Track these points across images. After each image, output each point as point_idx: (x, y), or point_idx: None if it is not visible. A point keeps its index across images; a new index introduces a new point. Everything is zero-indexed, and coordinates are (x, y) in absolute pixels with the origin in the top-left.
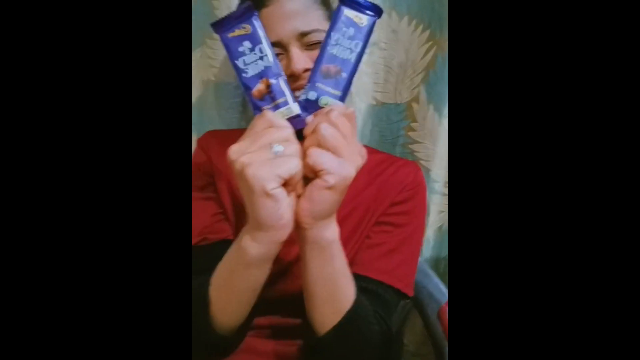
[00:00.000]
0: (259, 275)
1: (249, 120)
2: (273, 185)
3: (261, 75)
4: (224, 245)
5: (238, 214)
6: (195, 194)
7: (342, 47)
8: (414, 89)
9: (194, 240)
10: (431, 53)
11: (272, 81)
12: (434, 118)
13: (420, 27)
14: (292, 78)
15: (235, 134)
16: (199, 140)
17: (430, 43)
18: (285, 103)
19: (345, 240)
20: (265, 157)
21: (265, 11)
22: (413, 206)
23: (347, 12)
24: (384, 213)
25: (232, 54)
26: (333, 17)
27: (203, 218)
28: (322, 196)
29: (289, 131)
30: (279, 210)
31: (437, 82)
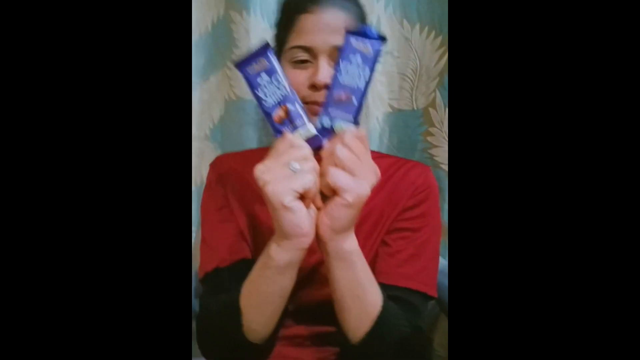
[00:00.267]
0: (286, 282)
1: (269, 135)
2: (289, 199)
3: (279, 102)
4: (243, 264)
5: (254, 233)
6: (211, 217)
7: (351, 75)
8: (429, 94)
9: (215, 263)
10: (445, 58)
11: (290, 107)
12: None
13: (433, 34)
14: (313, 89)
15: (245, 155)
16: (212, 165)
17: (443, 48)
18: (303, 125)
19: (361, 246)
20: (284, 174)
21: (305, 16)
22: (427, 208)
23: (354, 42)
24: (398, 218)
25: (253, 86)
26: (342, 47)
27: (222, 240)
28: (340, 212)
29: (306, 150)
30: (297, 220)
31: None
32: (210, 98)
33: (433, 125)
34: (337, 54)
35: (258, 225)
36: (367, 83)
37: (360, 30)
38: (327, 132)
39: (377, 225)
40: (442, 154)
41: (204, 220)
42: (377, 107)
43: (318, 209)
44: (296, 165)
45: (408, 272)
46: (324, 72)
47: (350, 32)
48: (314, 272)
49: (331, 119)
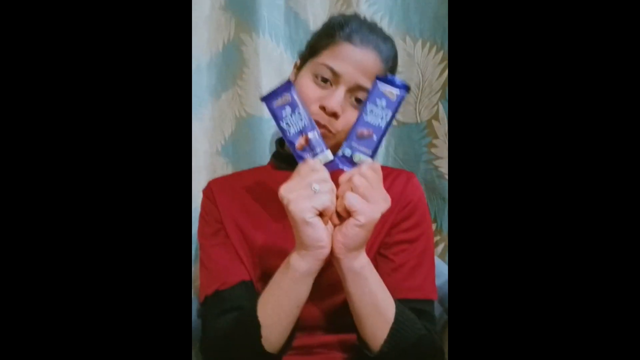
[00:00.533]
0: (303, 291)
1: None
2: (310, 215)
3: (301, 132)
4: (242, 286)
5: (250, 254)
6: (207, 242)
7: (375, 115)
8: (432, 107)
9: (214, 286)
10: (446, 72)
11: (310, 136)
12: None
13: (434, 49)
14: (322, 109)
15: (236, 177)
16: (204, 191)
17: (444, 63)
18: (322, 152)
19: None
20: (305, 193)
21: (347, 45)
22: (419, 217)
23: (382, 87)
24: (394, 231)
25: (277, 118)
26: (370, 90)
27: (220, 264)
28: (353, 232)
29: (325, 174)
30: (316, 234)
31: None
32: (221, 115)
33: (437, 137)
34: (358, 92)
35: (253, 247)
36: (388, 124)
37: (389, 78)
38: (346, 160)
39: (370, 237)
40: (446, 165)
41: (201, 245)
42: (388, 129)
43: (335, 226)
44: (316, 187)
45: (415, 284)
46: (337, 100)
47: (379, 78)
48: (317, 284)
49: (352, 150)
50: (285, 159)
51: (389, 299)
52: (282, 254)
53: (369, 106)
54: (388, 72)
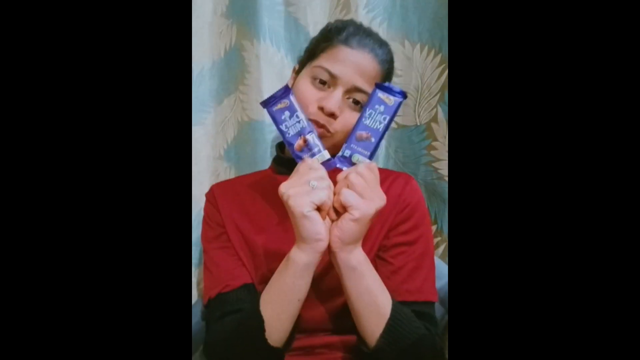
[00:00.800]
0: (303, 284)
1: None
2: (308, 209)
3: (299, 134)
4: (245, 289)
5: (252, 257)
6: (210, 245)
7: (374, 119)
8: (431, 110)
9: (217, 289)
10: (445, 75)
11: (308, 137)
12: None
13: (432, 52)
14: (320, 110)
15: (238, 182)
16: (207, 195)
17: (442, 66)
18: (319, 151)
19: None
20: (304, 190)
21: (344, 48)
22: (418, 219)
23: (380, 94)
24: (392, 234)
25: (277, 121)
26: (370, 96)
27: (222, 267)
28: (348, 226)
29: (323, 172)
30: (314, 227)
31: None
32: (224, 120)
33: (436, 139)
34: (355, 93)
35: (254, 250)
36: (386, 128)
37: (387, 86)
38: (345, 160)
39: (368, 239)
40: (446, 167)
41: (205, 248)
42: (386, 132)
43: (332, 221)
44: (314, 183)
45: (414, 287)
46: (334, 102)
47: (378, 86)
48: (318, 288)
49: (351, 151)
50: (286, 163)
51: (386, 296)
52: (282, 257)
53: (368, 111)
54: (385, 75)
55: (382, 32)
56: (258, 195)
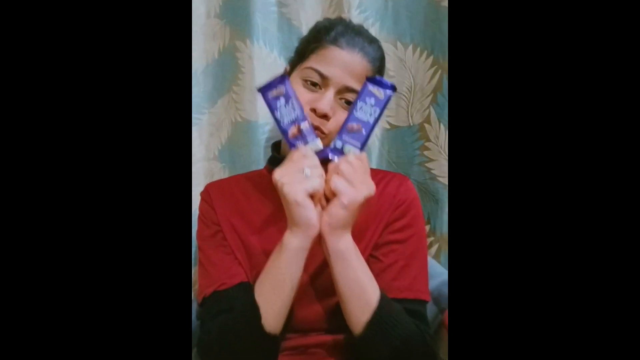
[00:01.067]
0: (297, 268)
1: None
2: (301, 197)
3: (293, 122)
4: (241, 287)
5: (247, 255)
6: (206, 244)
7: (364, 112)
8: (424, 110)
9: (213, 287)
10: (437, 76)
11: (302, 126)
12: (445, 136)
13: (425, 54)
14: (313, 112)
15: (233, 181)
16: (202, 193)
17: (435, 67)
18: (313, 140)
19: None
20: (297, 178)
21: (333, 48)
22: (411, 219)
23: (371, 87)
24: (385, 232)
25: (272, 108)
26: (360, 89)
27: (219, 265)
28: (337, 212)
29: (316, 160)
30: (307, 213)
31: (444, 102)
32: (218, 121)
33: (429, 140)
34: (346, 93)
35: (249, 249)
36: (376, 120)
37: (377, 79)
38: (337, 151)
39: (364, 238)
40: (439, 167)
41: (200, 247)
42: (376, 125)
43: (323, 208)
44: (307, 171)
45: (403, 284)
46: (327, 103)
47: (368, 79)
48: (311, 288)
49: (343, 142)
50: (281, 163)
51: (374, 286)
52: None
53: (359, 104)
54: (376, 73)
55: (374, 33)
56: (253, 194)
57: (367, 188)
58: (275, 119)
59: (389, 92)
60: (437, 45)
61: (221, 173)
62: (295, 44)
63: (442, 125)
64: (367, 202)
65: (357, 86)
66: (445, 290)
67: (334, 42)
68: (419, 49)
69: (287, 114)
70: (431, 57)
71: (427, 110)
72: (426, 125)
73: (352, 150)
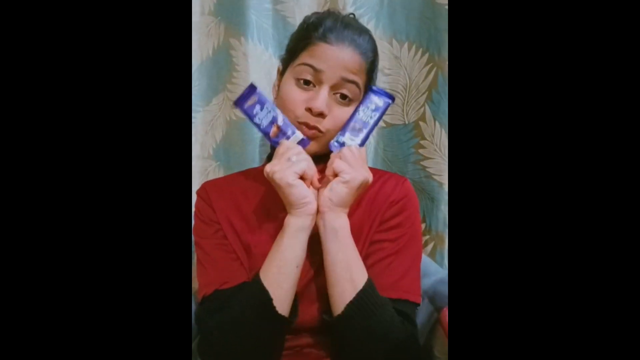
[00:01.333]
0: (300, 248)
1: (267, 151)
2: (292, 178)
3: (271, 122)
4: (243, 287)
5: (247, 253)
6: (205, 242)
7: (366, 115)
8: (419, 108)
9: (214, 286)
10: (432, 74)
11: (280, 123)
12: (440, 134)
13: (420, 51)
14: (309, 111)
15: (230, 179)
16: (198, 192)
17: (430, 65)
18: (293, 133)
19: None
20: (286, 165)
21: (323, 44)
22: (404, 218)
23: (373, 97)
24: (377, 231)
25: (250, 116)
26: (363, 97)
27: (220, 264)
28: (339, 187)
29: (299, 148)
30: (300, 192)
31: (440, 100)
32: (212, 119)
33: (424, 138)
34: (341, 87)
35: (248, 248)
36: (375, 123)
37: (379, 90)
38: (340, 145)
39: (360, 237)
40: (434, 166)
41: (200, 245)
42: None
43: (316, 189)
44: (294, 157)
45: (387, 282)
46: (321, 100)
47: (371, 89)
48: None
49: (345, 137)
50: None
51: (362, 270)
52: None
53: (362, 108)
54: (370, 65)
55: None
56: (250, 193)
57: (366, 172)
58: (256, 125)
59: (388, 100)
60: (432, 42)
61: (216, 171)
62: None
63: (437, 123)
64: (365, 187)
65: (351, 77)
66: (441, 288)
67: (323, 38)
68: (414, 47)
69: (264, 117)
70: (427, 55)
71: (422, 108)
72: (421, 123)
73: (352, 144)
